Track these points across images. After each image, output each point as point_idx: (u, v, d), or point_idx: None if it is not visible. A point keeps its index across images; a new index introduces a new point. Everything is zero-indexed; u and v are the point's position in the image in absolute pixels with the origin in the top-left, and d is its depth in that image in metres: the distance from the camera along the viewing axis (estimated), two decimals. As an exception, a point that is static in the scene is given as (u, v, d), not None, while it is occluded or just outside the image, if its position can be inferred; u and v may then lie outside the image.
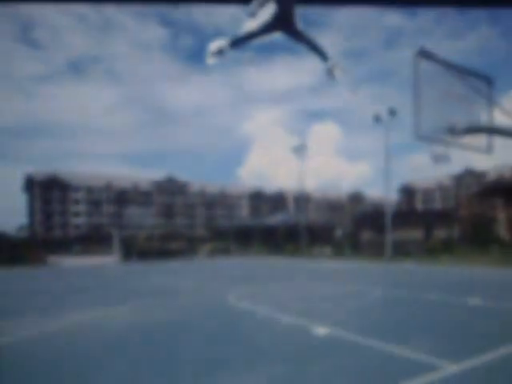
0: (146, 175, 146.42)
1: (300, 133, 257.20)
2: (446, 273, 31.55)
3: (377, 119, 51.23)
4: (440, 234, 59.20)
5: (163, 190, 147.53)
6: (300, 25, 6.31)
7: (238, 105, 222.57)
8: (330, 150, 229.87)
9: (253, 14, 6.40)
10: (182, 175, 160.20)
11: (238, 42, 6.47)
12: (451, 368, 8.42)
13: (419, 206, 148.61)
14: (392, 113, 50.04)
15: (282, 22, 6.28)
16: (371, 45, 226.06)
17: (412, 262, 43.89)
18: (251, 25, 6.32)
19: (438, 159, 11.24)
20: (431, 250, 49.02)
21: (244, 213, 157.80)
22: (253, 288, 23.90)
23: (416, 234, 58.65)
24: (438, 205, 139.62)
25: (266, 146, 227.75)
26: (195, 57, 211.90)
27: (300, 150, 67.95)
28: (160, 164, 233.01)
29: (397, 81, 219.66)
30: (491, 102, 11.57)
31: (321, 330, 12.07)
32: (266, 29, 6.34)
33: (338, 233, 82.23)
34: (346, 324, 13.15)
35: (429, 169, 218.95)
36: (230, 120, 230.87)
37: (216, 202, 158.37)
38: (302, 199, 77.44)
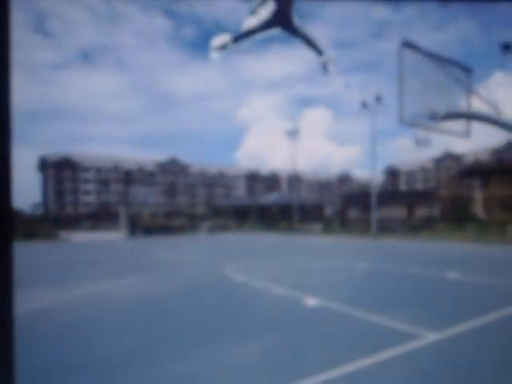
0: (150, 157, 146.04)
1: (293, 118, 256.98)
2: (426, 248, 31.62)
3: (364, 105, 51.12)
4: (421, 212, 59.39)
5: (166, 170, 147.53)
6: (297, 21, 6.31)
7: (235, 91, 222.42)
8: (320, 134, 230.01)
9: (253, 12, 6.40)
10: (184, 157, 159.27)
11: (240, 38, 6.47)
12: (431, 337, 8.45)
13: (403, 186, 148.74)
14: (378, 99, 49.95)
15: (281, 19, 6.28)
16: (359, 36, 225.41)
17: (395, 238, 44.01)
18: (252, 21, 6.32)
19: (420, 143, 11.24)
20: (413, 228, 49.17)
21: (241, 192, 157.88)
22: (248, 262, 23.93)
23: (399, 212, 58.85)
24: (419, 185, 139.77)
25: (261, 131, 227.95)
26: (196, 46, 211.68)
27: (293, 134, 67.94)
28: (164, 146, 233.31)
29: (383, 70, 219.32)
30: (469, 90, 11.54)
31: (311, 301, 12.10)
32: (266, 25, 6.34)
33: (328, 211, 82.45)
34: (335, 295, 13.18)
35: (412, 152, 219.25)
36: (228, 106, 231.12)
37: (215, 182, 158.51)
38: (295, 180, 77.54)
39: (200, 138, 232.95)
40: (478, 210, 55.47)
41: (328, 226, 61.13)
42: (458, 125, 12.19)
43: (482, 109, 10.86)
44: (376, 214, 50.60)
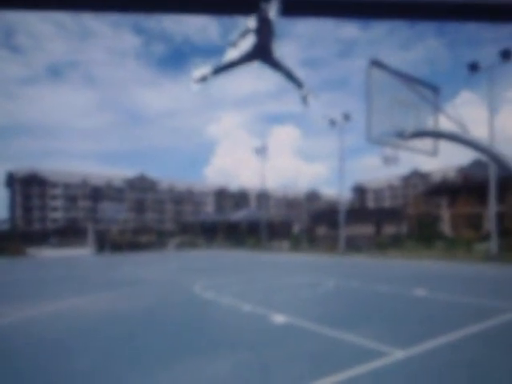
0: (119, 173, 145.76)
1: (261, 135, 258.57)
2: (394, 266, 31.87)
3: (332, 123, 51.46)
4: (389, 230, 59.90)
5: (135, 187, 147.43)
6: (278, 55, 6.41)
7: (204, 108, 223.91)
8: (289, 151, 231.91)
9: (234, 44, 6.50)
10: (153, 173, 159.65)
11: (220, 70, 6.56)
12: (398, 354, 8.53)
13: (370, 204, 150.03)
14: (346, 117, 50.30)
15: (261, 52, 6.37)
16: (327, 55, 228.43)
17: (363, 255, 44.24)
18: (232, 54, 6.42)
19: (388, 161, 11.36)
20: (381, 245, 49.45)
21: (209, 209, 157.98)
22: (216, 279, 23.87)
23: (367, 229, 59.26)
24: (387, 203, 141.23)
25: (230, 147, 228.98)
26: (165, 63, 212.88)
27: (261, 152, 68.03)
28: (132, 163, 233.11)
29: (351, 88, 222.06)
30: (437, 109, 11.71)
31: (278, 318, 12.13)
32: (246, 58, 6.43)
33: (296, 228, 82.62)
34: (302, 313, 13.23)
35: (379, 170, 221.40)
36: (197, 122, 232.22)
37: (184, 198, 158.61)
38: (263, 197, 77.49)
39: (169, 155, 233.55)
40: (446, 228, 56.12)
41: (296, 243, 61.19)
42: (426, 143, 12.36)
43: (449, 127, 11.02)
44: (344, 232, 50.87)
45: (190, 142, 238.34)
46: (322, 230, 67.33)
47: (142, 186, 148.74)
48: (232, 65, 6.54)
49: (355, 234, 55.89)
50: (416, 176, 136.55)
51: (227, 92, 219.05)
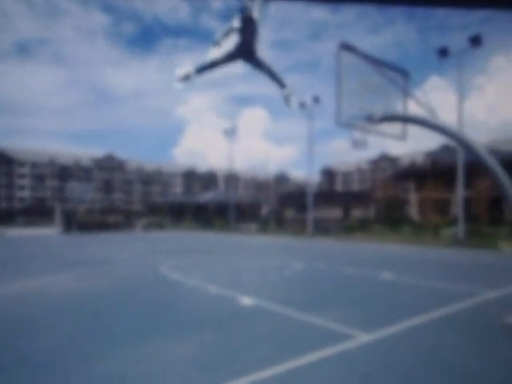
0: (87, 152, 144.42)
1: (230, 117, 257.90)
2: (361, 249, 32.12)
3: (302, 106, 51.46)
4: (357, 213, 60.43)
5: (103, 166, 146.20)
6: (260, 54, 6.40)
7: (173, 90, 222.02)
8: (258, 133, 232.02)
9: (217, 44, 6.49)
10: (121, 154, 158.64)
11: (203, 69, 6.54)
12: (364, 337, 8.62)
13: (339, 187, 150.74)
14: (316, 100, 50.35)
15: (245, 51, 6.37)
16: (297, 37, 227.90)
17: (331, 238, 44.54)
18: (216, 53, 6.40)
19: (357, 144, 11.43)
20: (349, 228, 49.82)
21: (178, 190, 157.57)
22: (184, 260, 23.84)
23: (335, 213, 59.71)
24: (355, 187, 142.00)
25: (199, 129, 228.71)
26: (134, 43, 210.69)
27: (230, 133, 67.95)
28: (100, 142, 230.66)
29: (321, 71, 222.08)
30: (406, 94, 11.80)
31: (245, 300, 12.18)
32: (230, 57, 6.44)
33: (265, 210, 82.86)
34: (269, 295, 13.28)
35: (348, 153, 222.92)
36: (166, 103, 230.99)
37: (152, 179, 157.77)
38: (232, 178, 77.67)
39: (137, 135, 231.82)
40: (413, 212, 56.65)
41: (264, 226, 61.40)
42: (395, 127, 12.45)
43: (418, 112, 11.11)
44: (312, 214, 51.10)
45: (159, 122, 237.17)
46: (290, 213, 67.67)
47: (110, 166, 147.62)
48: (215, 64, 6.57)
49: (323, 217, 56.24)
50: (384, 160, 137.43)
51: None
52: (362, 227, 50.10)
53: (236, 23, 6.42)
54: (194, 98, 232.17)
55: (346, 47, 10.21)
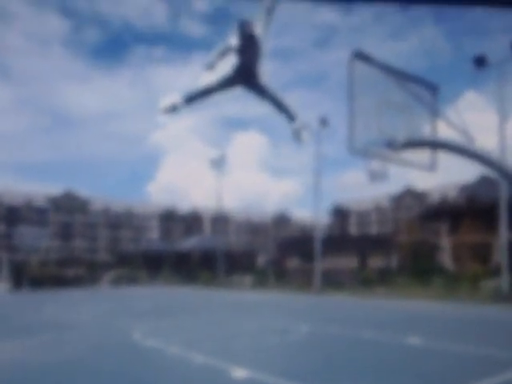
0: (40, 190, 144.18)
1: (219, 144, 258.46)
2: (382, 307, 32.01)
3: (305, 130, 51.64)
4: (376, 262, 60.16)
5: (61, 207, 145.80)
6: (264, 79, 6.32)
7: (148, 110, 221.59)
8: (253, 164, 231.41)
9: (211, 66, 6.40)
10: (83, 191, 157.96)
11: (194, 98, 6.48)
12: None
13: (353, 230, 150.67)
14: (323, 123, 50.36)
15: (245, 75, 6.31)
16: (302, 44, 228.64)
17: (344, 294, 44.39)
18: (209, 77, 6.33)
19: (375, 176, 11.41)
20: (366, 281, 49.66)
21: (154, 235, 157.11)
22: (162, 323, 23.73)
23: (349, 262, 59.47)
24: (374, 229, 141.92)
25: (179, 159, 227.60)
26: (99, 53, 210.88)
27: (219, 164, 68.15)
28: (57, 177, 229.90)
29: (329, 86, 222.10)
30: (435, 113, 11.81)
31: (239, 373, 12.03)
32: (226, 83, 6.37)
33: (261, 260, 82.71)
34: (268, 365, 13.15)
35: (364, 188, 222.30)
36: (139, 127, 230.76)
37: (122, 222, 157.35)
38: (221, 221, 77.69)
39: (103, 167, 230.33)
40: (446, 260, 56.51)
41: (261, 279, 61.22)
42: (422, 155, 12.43)
43: (450, 136, 11.12)
44: (320, 264, 50.99)
45: (130, 151, 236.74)
46: (293, 263, 67.47)
47: (69, 207, 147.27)
48: (208, 91, 6.50)
49: (334, 268, 56.07)
50: (409, 196, 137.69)
51: (176, 88, 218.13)
52: (382, 279, 49.92)
53: (234, 41, 6.33)
54: (174, 121, 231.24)
55: (361, 56, 10.25)
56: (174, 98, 6.23)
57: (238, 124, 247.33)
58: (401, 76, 11.00)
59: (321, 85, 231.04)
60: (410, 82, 11.29)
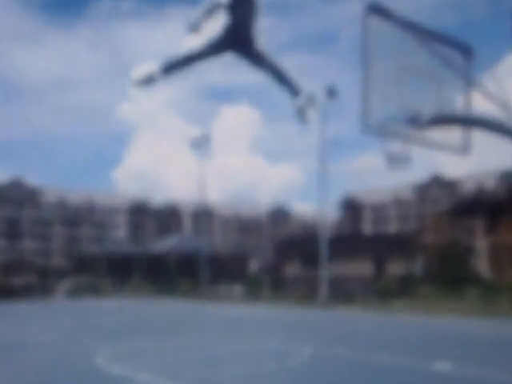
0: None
1: (202, 120, 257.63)
2: (402, 324, 32.05)
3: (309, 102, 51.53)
4: (395, 269, 60.25)
5: (6, 199, 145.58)
6: (261, 44, 6.14)
7: (113, 77, 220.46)
8: (243, 145, 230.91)
9: (196, 27, 6.20)
10: (33, 178, 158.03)
11: (174, 67, 6.30)
12: None
13: (367, 228, 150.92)
14: (330, 94, 50.05)
15: (237, 39, 6.12)
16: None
17: (356, 308, 44.45)
18: (193, 42, 6.13)
19: (395, 161, 11.28)
20: (383, 292, 49.75)
21: (121, 234, 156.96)
22: (131, 344, 23.68)
23: (362, 268, 59.55)
24: (393, 227, 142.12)
25: (153, 138, 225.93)
26: (54, 8, 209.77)
27: (202, 145, 67.89)
28: (2, 162, 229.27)
29: (338, 48, 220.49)
30: (469, 81, 11.69)
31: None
32: (214, 48, 6.18)
33: (254, 265, 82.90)
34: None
35: (381, 176, 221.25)
36: (103, 99, 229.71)
37: (81, 217, 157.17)
38: (204, 216, 77.54)
39: (58, 149, 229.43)
40: (482, 265, 56.61)
41: (254, 289, 61.35)
42: (452, 134, 12.33)
43: (487, 110, 11.01)
44: (327, 271, 51.05)
45: (92, 129, 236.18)
46: (293, 269, 67.57)
47: (16, 198, 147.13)
48: (191, 59, 6.32)
49: (344, 275, 56.16)
50: (437, 185, 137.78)
51: (148, 51, 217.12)
52: (403, 290, 50.03)
53: None
54: (145, 91, 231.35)
55: (377, 10, 10.09)
56: (150, 67, 6.05)
57: (224, 96, 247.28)
58: (426, 35, 10.86)
59: (327, 47, 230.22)
60: (438, 42, 11.16)
